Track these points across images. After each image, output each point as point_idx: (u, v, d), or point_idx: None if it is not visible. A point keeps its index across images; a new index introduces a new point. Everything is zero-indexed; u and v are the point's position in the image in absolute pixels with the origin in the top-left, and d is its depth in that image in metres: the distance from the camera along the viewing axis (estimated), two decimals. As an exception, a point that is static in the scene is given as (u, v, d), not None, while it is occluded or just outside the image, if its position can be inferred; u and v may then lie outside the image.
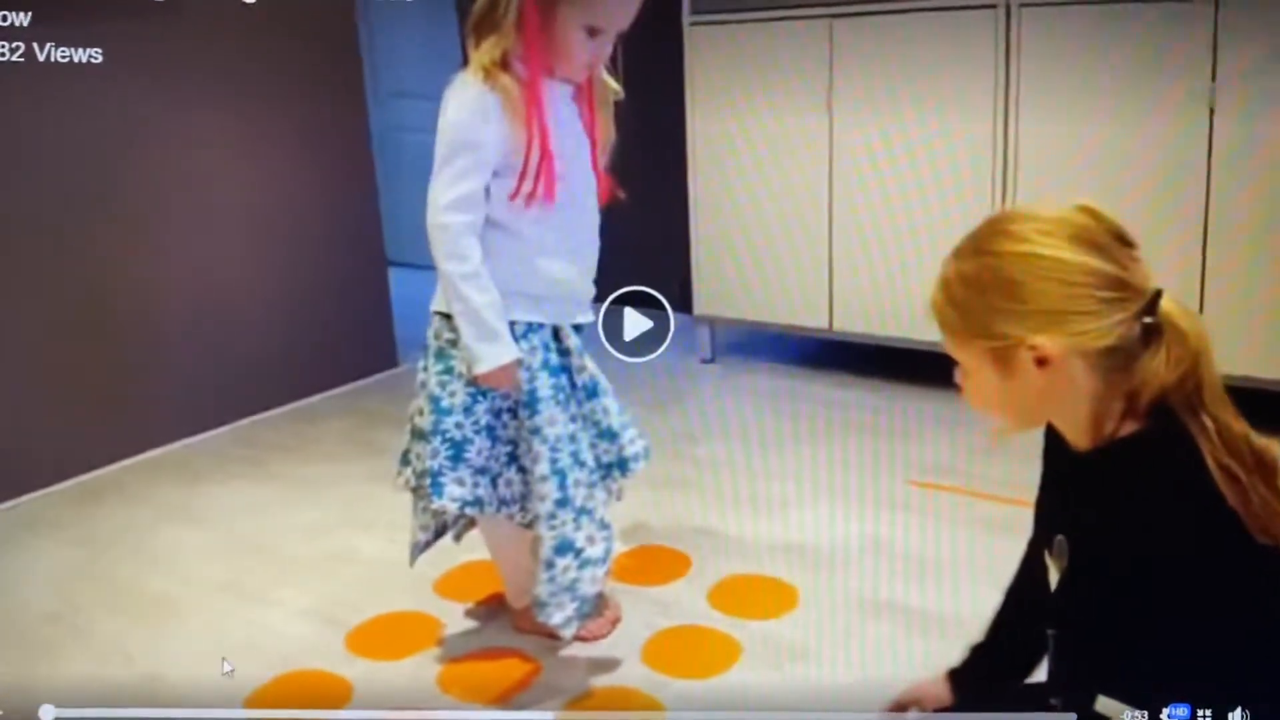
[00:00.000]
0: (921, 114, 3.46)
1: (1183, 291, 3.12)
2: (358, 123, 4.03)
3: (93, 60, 3.01)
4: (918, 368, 3.74)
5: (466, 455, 2.09)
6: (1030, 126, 3.29)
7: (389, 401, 3.87)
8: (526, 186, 1.99)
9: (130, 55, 3.21)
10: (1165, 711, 1.28)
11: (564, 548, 2.09)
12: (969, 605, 2.33)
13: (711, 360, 4.16)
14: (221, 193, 3.58)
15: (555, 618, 2.11)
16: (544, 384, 2.08)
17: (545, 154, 1.99)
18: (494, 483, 2.14)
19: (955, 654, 2.16)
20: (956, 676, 1.75)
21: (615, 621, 2.33)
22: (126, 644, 2.36)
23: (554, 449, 2.07)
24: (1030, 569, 1.73)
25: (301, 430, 3.66)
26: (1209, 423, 1.23)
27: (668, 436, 3.41)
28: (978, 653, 1.75)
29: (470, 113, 1.97)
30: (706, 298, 4.08)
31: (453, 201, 1.98)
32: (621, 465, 2.21)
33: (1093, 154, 3.19)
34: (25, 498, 3.15)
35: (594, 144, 2.12)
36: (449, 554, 2.64)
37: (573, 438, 2.10)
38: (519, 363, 2.05)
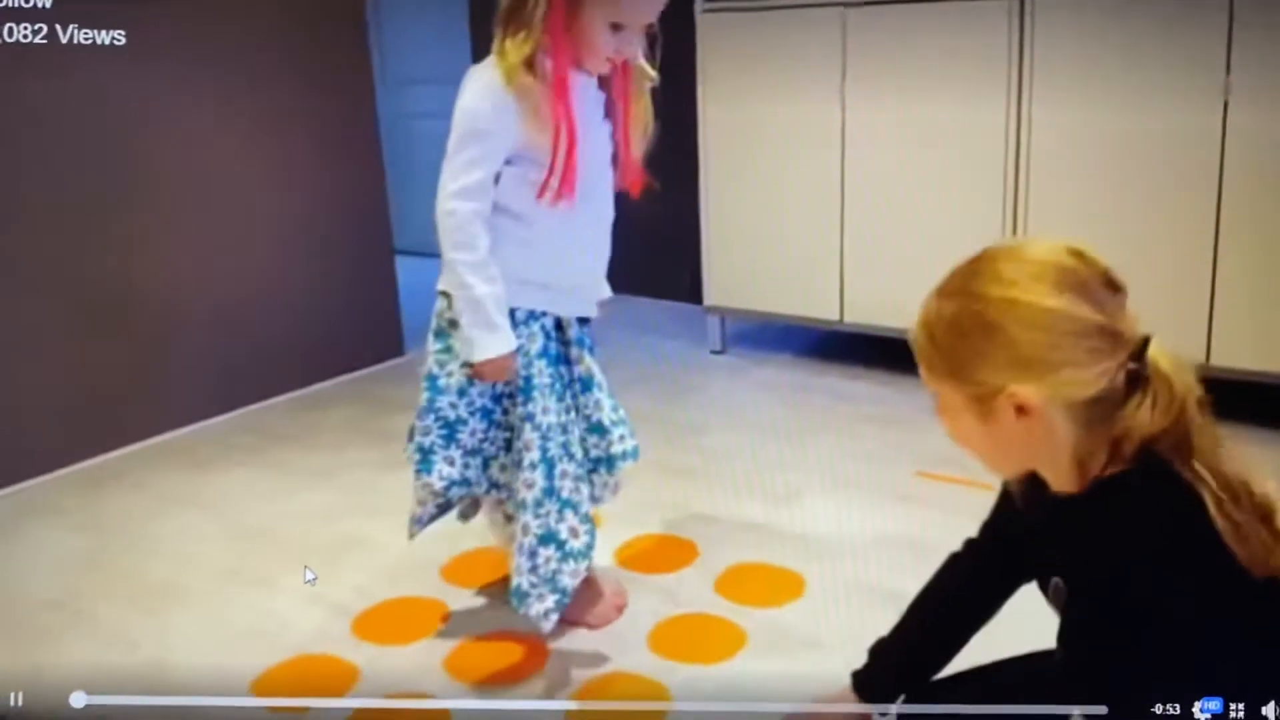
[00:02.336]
0: (934, 104, 3.44)
1: (1194, 282, 3.11)
2: (366, 110, 4.02)
3: (116, 42, 3.00)
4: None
5: (459, 436, 2.10)
6: (1043, 117, 3.27)
7: (395, 389, 3.86)
8: (553, 183, 1.98)
9: (151, 39, 3.21)
10: (1197, 705, 1.27)
11: (547, 539, 2.08)
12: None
13: (721, 351, 4.15)
14: (229, 180, 3.57)
15: (534, 609, 2.09)
16: (541, 372, 2.07)
17: (571, 153, 1.97)
18: (486, 465, 2.14)
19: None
20: (861, 679, 1.75)
21: (622, 608, 2.32)
22: (130, 630, 2.35)
23: (545, 437, 2.07)
24: (956, 568, 1.72)
25: (307, 417, 3.65)
26: (1202, 470, 1.20)
27: (677, 427, 3.40)
28: (884, 652, 1.75)
29: (485, 102, 1.96)
30: (717, 289, 4.07)
31: (461, 189, 1.97)
32: (609, 462, 2.20)
33: (1106, 144, 3.17)
34: (28, 483, 3.14)
35: (626, 134, 2.10)
36: (456, 540, 2.64)
37: (564, 429, 2.10)
38: (515, 355, 2.04)
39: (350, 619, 2.35)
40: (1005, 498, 1.55)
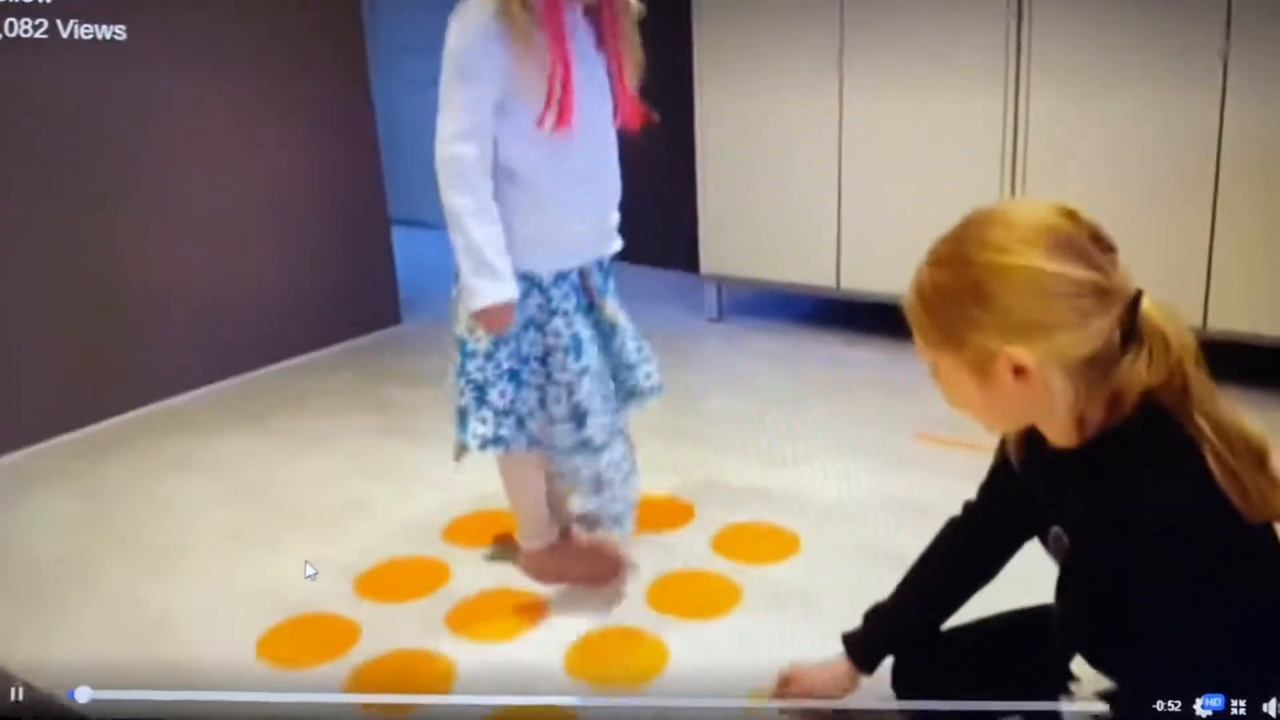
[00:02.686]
0: (933, 72, 3.45)
1: (1191, 248, 3.12)
2: (360, 79, 4.02)
3: (117, 38, 3.02)
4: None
5: (489, 398, 2.12)
6: (1041, 80, 3.28)
7: (392, 358, 3.89)
8: (552, 112, 1.96)
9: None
10: (1199, 703, 1.29)
11: (622, 466, 2.20)
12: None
13: (719, 319, 4.17)
14: (225, 150, 3.57)
15: (628, 524, 2.23)
16: (583, 327, 2.12)
17: (568, 79, 1.95)
18: (521, 423, 2.16)
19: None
20: (852, 642, 1.77)
21: (621, 567, 2.34)
22: (135, 591, 2.38)
23: (604, 383, 2.15)
24: (954, 532, 1.74)
25: (305, 384, 3.67)
26: (1201, 421, 1.21)
27: (675, 393, 3.39)
28: (878, 617, 1.77)
29: (472, 39, 1.94)
30: (714, 257, 4.08)
31: (460, 132, 1.96)
32: (638, 397, 2.29)
33: (1105, 105, 3.17)
34: (32, 449, 3.16)
35: (619, 67, 2.09)
36: (456, 502, 2.67)
37: (606, 373, 2.19)
38: (514, 304, 2.04)
39: (352, 579, 2.38)
40: (1002, 459, 1.57)
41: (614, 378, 2.23)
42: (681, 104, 4.00)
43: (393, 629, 2.18)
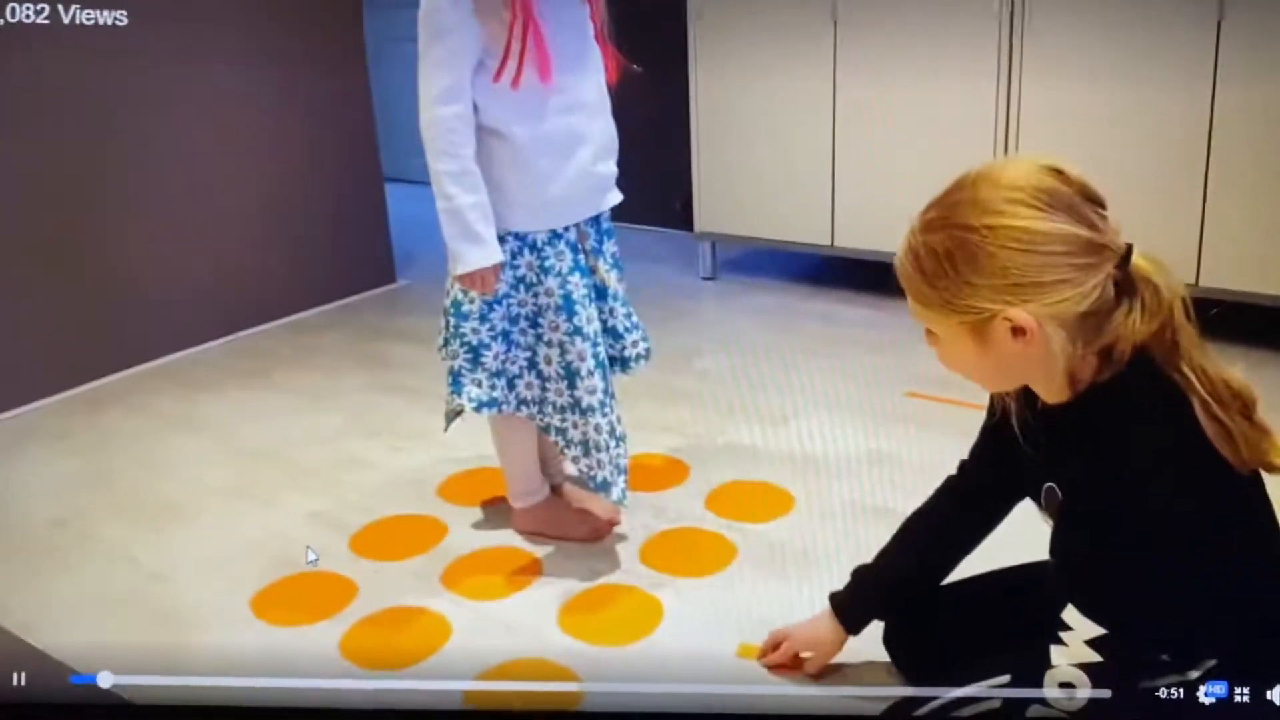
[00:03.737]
0: (928, 30, 3.43)
1: (1184, 205, 3.12)
2: (353, 35, 3.99)
3: (118, 23, 3.01)
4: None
5: (483, 359, 2.13)
6: (1034, 36, 3.26)
7: (387, 316, 3.89)
8: (510, 67, 1.94)
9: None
10: (1202, 689, 1.31)
11: (613, 431, 2.17)
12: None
13: (712, 278, 4.17)
14: (220, 108, 3.55)
15: (615, 493, 2.17)
16: (577, 285, 2.10)
17: (526, 31, 1.93)
18: (511, 384, 2.18)
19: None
20: (839, 601, 1.78)
21: (613, 524, 2.36)
22: (132, 548, 2.40)
23: (595, 344, 2.12)
24: (944, 494, 1.74)
25: (302, 342, 3.68)
26: (1189, 371, 1.23)
27: (668, 351, 3.42)
28: (865, 576, 1.78)
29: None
30: (707, 215, 4.08)
31: (438, 94, 1.97)
32: (623, 363, 2.28)
33: (1098, 58, 3.16)
34: (28, 407, 3.17)
35: (596, 17, 2.08)
36: (451, 461, 2.69)
37: (599, 334, 2.16)
38: (499, 268, 2.05)
39: (348, 536, 2.40)
40: (992, 419, 1.58)
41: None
42: (676, 61, 3.98)
43: (389, 586, 2.20)
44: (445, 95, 1.96)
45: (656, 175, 4.54)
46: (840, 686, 1.83)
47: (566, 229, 2.11)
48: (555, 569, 2.24)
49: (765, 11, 3.72)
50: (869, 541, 2.26)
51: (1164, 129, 3.12)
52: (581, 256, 2.14)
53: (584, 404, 2.14)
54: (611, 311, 2.22)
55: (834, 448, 2.71)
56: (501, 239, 2.06)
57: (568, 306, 2.09)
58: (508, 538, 2.36)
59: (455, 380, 2.16)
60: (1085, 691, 1.26)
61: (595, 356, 2.13)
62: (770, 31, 3.73)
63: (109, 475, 2.76)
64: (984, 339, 1.27)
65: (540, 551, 2.29)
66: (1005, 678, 1.40)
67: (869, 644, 1.87)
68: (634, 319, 2.28)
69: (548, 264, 2.09)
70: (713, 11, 3.84)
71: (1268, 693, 1.33)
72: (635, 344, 2.27)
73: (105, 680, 1.73)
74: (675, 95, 4.04)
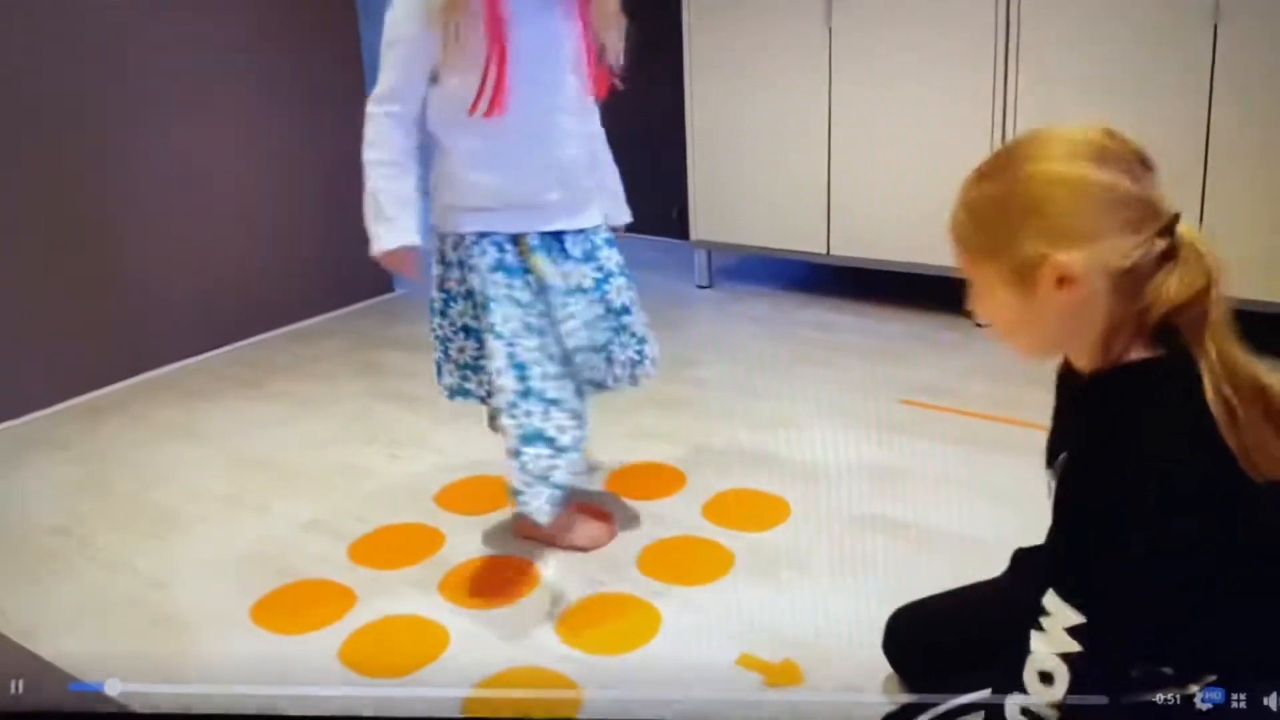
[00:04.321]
0: (923, 37, 3.45)
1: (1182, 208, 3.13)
2: (349, 40, 4.00)
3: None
4: (910, 292, 3.77)
5: (450, 352, 2.27)
6: (1030, 39, 3.28)
7: (385, 325, 3.91)
8: (485, 97, 2.01)
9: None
10: (1199, 695, 1.32)
11: (531, 437, 2.09)
12: (957, 517, 2.38)
13: (708, 286, 4.19)
14: (217, 119, 3.57)
15: (529, 505, 2.10)
16: (496, 285, 2.11)
17: (502, 64, 1.99)
18: (474, 374, 2.28)
19: (942, 562, 2.23)
20: None
21: (612, 533, 2.38)
22: (132, 557, 2.40)
23: (510, 344, 2.10)
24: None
25: (300, 351, 3.69)
26: (1212, 349, 1.24)
27: (665, 359, 3.38)
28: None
29: (402, 10, 2.04)
30: (703, 223, 4.09)
31: (379, 93, 2.09)
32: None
33: (1094, 68, 3.17)
34: (28, 417, 3.18)
35: (588, 34, 2.10)
36: (448, 468, 2.70)
37: (540, 332, 2.13)
38: (416, 250, 2.13)
39: (347, 544, 2.41)
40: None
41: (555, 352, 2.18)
42: (671, 70, 4.00)
43: (387, 594, 2.21)
44: (386, 95, 2.09)
45: (652, 184, 4.55)
46: (839, 694, 1.84)
47: (491, 234, 2.13)
48: (553, 577, 2.25)
49: (760, 20, 3.74)
50: (866, 549, 2.30)
51: (1161, 136, 3.10)
52: (510, 257, 2.13)
53: (499, 403, 2.15)
54: (566, 320, 2.16)
55: (830, 455, 2.73)
56: (443, 236, 2.19)
57: (484, 303, 2.13)
58: (506, 545, 2.37)
59: (436, 370, 2.30)
60: (1064, 685, 1.26)
61: (510, 356, 2.10)
62: (765, 40, 3.75)
63: (109, 484, 2.77)
64: (1028, 290, 1.29)
65: (538, 560, 2.30)
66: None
67: (869, 651, 1.89)
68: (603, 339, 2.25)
69: (472, 261, 2.13)
70: (708, 20, 3.86)
71: (1264, 699, 1.34)
72: (570, 335, 2.17)
73: (113, 688, 1.74)
74: (671, 104, 4.05)
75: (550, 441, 2.10)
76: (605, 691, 1.89)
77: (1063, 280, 1.26)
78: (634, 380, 2.36)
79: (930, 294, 3.70)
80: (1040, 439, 1.46)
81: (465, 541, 2.40)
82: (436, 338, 2.27)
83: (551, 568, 2.28)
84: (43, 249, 3.17)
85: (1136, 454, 1.23)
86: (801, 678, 1.89)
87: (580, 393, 2.22)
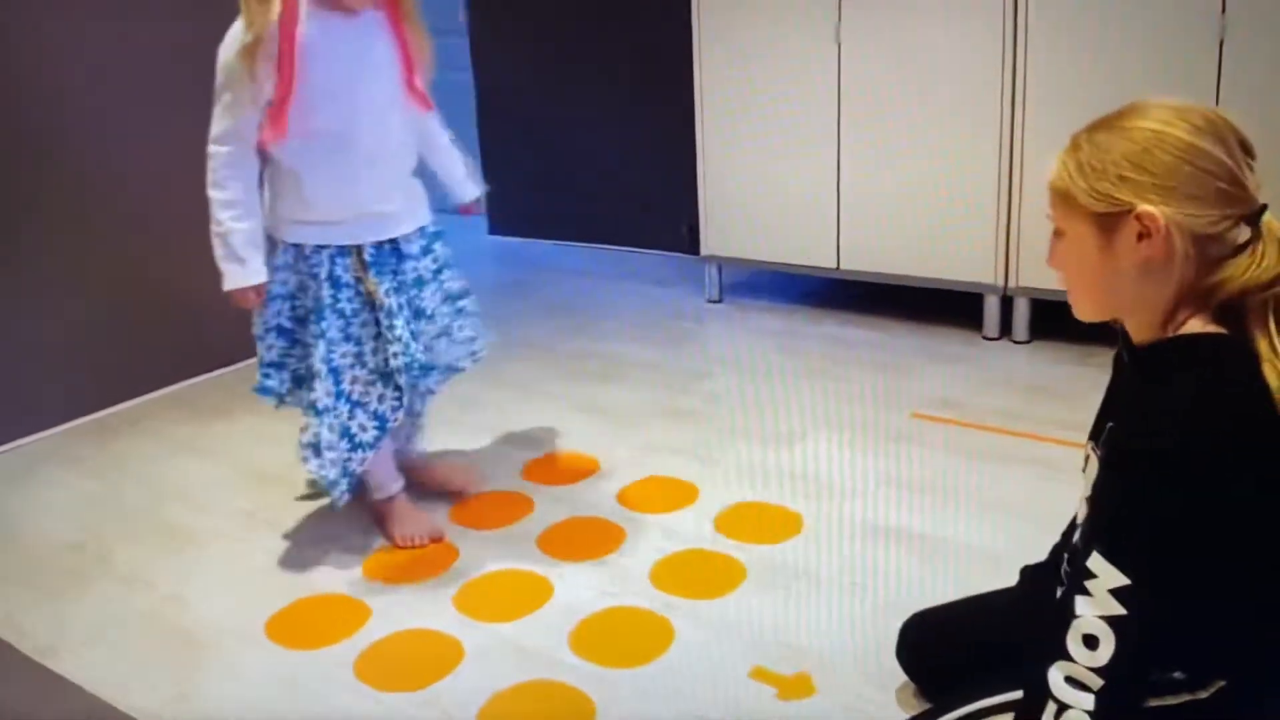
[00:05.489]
0: (930, 49, 3.47)
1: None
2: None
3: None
4: (920, 306, 3.78)
5: (260, 351, 2.41)
6: (1038, 59, 3.29)
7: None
8: (265, 124, 2.17)
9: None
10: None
11: (340, 434, 2.32)
12: (968, 530, 2.39)
13: (719, 300, 4.20)
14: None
15: (335, 493, 2.35)
16: (326, 294, 2.27)
17: (285, 99, 2.13)
18: (279, 371, 2.42)
19: (953, 574, 2.24)
20: None
21: (437, 538, 2.48)
22: (148, 572, 2.42)
23: (330, 349, 2.28)
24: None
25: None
26: (1275, 331, 1.27)
27: (676, 373, 3.46)
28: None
29: (226, 53, 2.15)
30: (714, 238, 4.11)
31: (215, 135, 2.19)
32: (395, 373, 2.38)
33: (1101, 83, 3.19)
34: (44, 434, 3.21)
35: (407, 62, 2.25)
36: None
37: (357, 340, 2.31)
38: (261, 287, 2.26)
39: (361, 560, 2.42)
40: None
41: (379, 350, 2.34)
42: (681, 85, 4.02)
43: (401, 609, 2.22)
44: (221, 137, 2.19)
45: (663, 199, 4.58)
46: (854, 705, 1.85)
47: (326, 247, 2.28)
48: (566, 591, 2.26)
49: (770, 37, 3.76)
50: (879, 562, 2.30)
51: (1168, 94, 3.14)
52: (340, 270, 2.29)
53: (318, 405, 2.30)
54: (391, 326, 2.31)
55: (842, 469, 2.73)
56: (277, 243, 2.30)
57: (317, 310, 2.28)
58: (519, 560, 2.38)
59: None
60: (1109, 649, 1.26)
61: (328, 361, 2.28)
62: (775, 56, 3.77)
63: (124, 500, 2.79)
64: (1110, 238, 1.33)
65: (552, 574, 2.31)
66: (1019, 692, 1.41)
67: (882, 663, 1.89)
68: (406, 330, 2.33)
69: (313, 271, 2.28)
70: (718, 37, 3.88)
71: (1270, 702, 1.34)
72: (396, 355, 2.32)
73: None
74: (682, 120, 4.08)
75: (352, 438, 2.34)
76: (618, 705, 1.89)
77: (1144, 234, 1.30)
78: (473, 358, 2.54)
79: (941, 308, 3.70)
80: (1051, 452, 1.48)
81: (479, 556, 2.41)
82: (256, 337, 2.39)
83: (565, 582, 2.29)
84: (56, 267, 3.19)
85: (1187, 416, 1.25)
86: (815, 690, 1.90)
87: (402, 399, 2.37)
